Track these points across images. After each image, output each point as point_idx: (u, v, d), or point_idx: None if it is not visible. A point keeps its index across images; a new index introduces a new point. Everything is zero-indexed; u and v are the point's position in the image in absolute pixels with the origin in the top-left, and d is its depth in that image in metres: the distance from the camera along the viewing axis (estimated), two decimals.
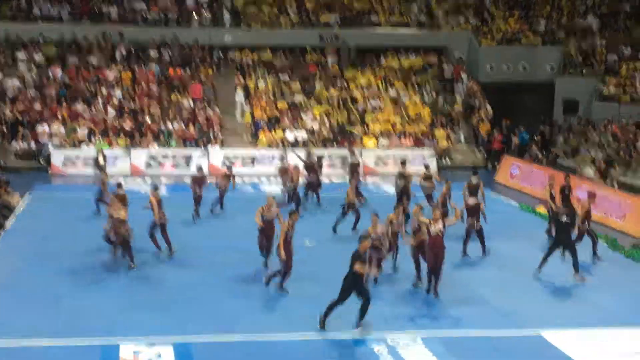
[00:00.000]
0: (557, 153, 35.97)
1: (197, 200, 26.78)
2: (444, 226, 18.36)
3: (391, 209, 27.47)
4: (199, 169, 28.17)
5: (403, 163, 28.61)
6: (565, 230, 20.17)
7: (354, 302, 17.98)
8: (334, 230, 24.61)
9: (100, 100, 39.20)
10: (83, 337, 15.76)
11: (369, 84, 42.45)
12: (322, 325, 16.09)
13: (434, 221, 18.32)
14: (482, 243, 22.26)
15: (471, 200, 22.65)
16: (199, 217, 26.64)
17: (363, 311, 16.04)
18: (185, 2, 45.74)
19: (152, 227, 21.58)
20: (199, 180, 27.09)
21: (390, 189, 33.18)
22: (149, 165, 36.06)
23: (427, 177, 28.38)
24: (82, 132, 37.28)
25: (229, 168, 28.45)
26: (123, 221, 20.59)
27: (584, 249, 21.21)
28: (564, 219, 20.14)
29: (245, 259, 20.69)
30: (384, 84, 42.39)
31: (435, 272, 18.35)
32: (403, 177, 27.40)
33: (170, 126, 38.17)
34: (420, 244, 18.86)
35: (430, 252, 18.34)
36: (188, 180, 28.42)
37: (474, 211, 22.18)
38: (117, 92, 39.84)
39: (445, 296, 18.34)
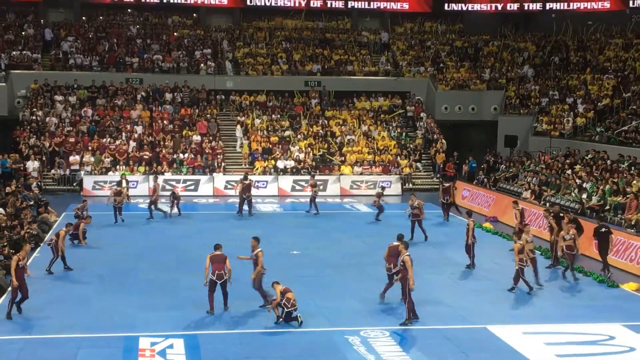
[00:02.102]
0: (499, 179, 36.18)
1: (243, 201, 30.05)
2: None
3: (362, 225, 27.65)
4: (245, 177, 31.34)
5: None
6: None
7: (327, 301, 18.08)
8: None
9: (124, 134, 39.18)
10: (109, 332, 15.76)
11: (345, 121, 42.62)
12: None
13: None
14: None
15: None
16: (241, 215, 30.04)
17: None
18: (194, 54, 45.95)
19: None
20: (246, 187, 30.31)
21: (362, 207, 33.38)
22: (164, 188, 35.98)
23: (314, 185, 31.61)
24: (108, 161, 37.26)
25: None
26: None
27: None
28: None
29: (244, 266, 20.56)
30: (357, 122, 42.57)
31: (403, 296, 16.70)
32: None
33: (181, 156, 38.19)
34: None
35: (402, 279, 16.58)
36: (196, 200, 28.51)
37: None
38: (138, 128, 39.84)
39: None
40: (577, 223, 23.11)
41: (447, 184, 30.83)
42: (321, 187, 36.66)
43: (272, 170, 37.98)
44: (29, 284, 16.96)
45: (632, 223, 24.93)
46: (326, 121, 42.51)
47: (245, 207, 30.41)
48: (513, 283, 19.36)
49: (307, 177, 36.13)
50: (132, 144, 38.58)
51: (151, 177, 33.81)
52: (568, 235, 20.84)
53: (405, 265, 16.42)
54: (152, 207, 29.34)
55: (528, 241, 19.74)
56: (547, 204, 29.33)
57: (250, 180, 31.70)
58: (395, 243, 17.94)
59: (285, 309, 16.27)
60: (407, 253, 16.67)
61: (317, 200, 31.41)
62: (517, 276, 19.20)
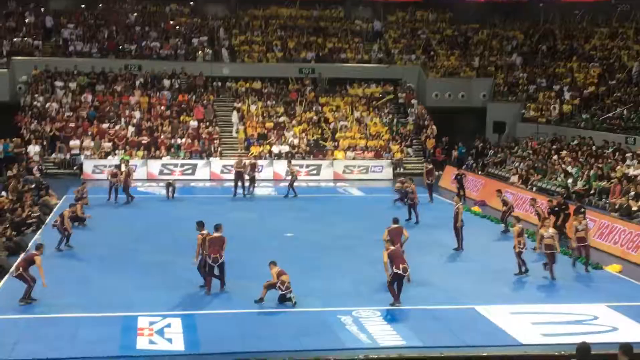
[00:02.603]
0: (488, 164, 36.16)
1: (244, 182, 30.88)
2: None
3: (355, 209, 27.56)
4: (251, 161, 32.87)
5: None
6: None
7: (320, 283, 18.07)
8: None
9: (122, 120, 39.03)
10: (108, 311, 15.72)
11: (339, 108, 42.50)
12: None
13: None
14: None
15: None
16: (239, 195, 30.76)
17: None
18: (192, 41, 45.69)
19: None
20: (252, 165, 31.83)
21: (355, 191, 33.37)
22: (162, 172, 35.91)
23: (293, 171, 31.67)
24: (107, 145, 37.11)
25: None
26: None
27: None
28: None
29: (242, 246, 20.53)
30: (350, 108, 42.45)
31: None
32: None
33: (179, 141, 38.06)
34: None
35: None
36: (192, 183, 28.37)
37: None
38: (137, 114, 39.67)
39: None
40: (566, 207, 23.20)
41: (430, 166, 31.53)
42: (314, 172, 36.70)
43: (267, 155, 37.89)
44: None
45: (616, 207, 24.95)
46: (320, 107, 42.37)
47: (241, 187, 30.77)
48: (520, 266, 19.10)
49: (302, 162, 36.13)
50: (131, 129, 38.43)
51: (123, 163, 32.61)
52: (581, 226, 19.69)
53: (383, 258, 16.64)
54: (124, 191, 29.04)
55: (545, 236, 18.92)
56: (534, 189, 29.40)
57: (255, 160, 33.52)
58: (394, 225, 18.41)
59: (280, 291, 16.24)
60: (389, 248, 16.74)
61: (311, 184, 31.42)
62: (518, 257, 19.10)
